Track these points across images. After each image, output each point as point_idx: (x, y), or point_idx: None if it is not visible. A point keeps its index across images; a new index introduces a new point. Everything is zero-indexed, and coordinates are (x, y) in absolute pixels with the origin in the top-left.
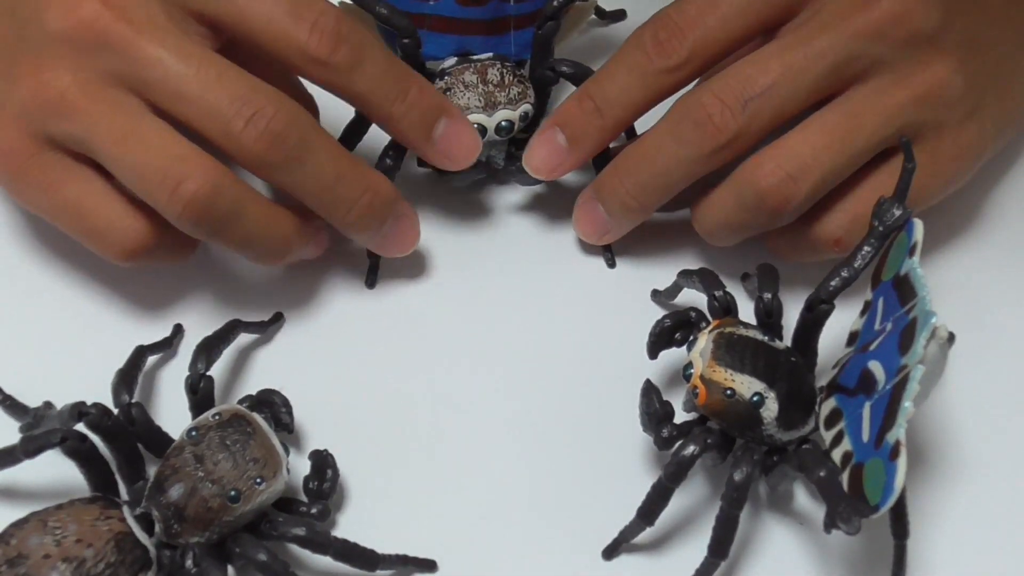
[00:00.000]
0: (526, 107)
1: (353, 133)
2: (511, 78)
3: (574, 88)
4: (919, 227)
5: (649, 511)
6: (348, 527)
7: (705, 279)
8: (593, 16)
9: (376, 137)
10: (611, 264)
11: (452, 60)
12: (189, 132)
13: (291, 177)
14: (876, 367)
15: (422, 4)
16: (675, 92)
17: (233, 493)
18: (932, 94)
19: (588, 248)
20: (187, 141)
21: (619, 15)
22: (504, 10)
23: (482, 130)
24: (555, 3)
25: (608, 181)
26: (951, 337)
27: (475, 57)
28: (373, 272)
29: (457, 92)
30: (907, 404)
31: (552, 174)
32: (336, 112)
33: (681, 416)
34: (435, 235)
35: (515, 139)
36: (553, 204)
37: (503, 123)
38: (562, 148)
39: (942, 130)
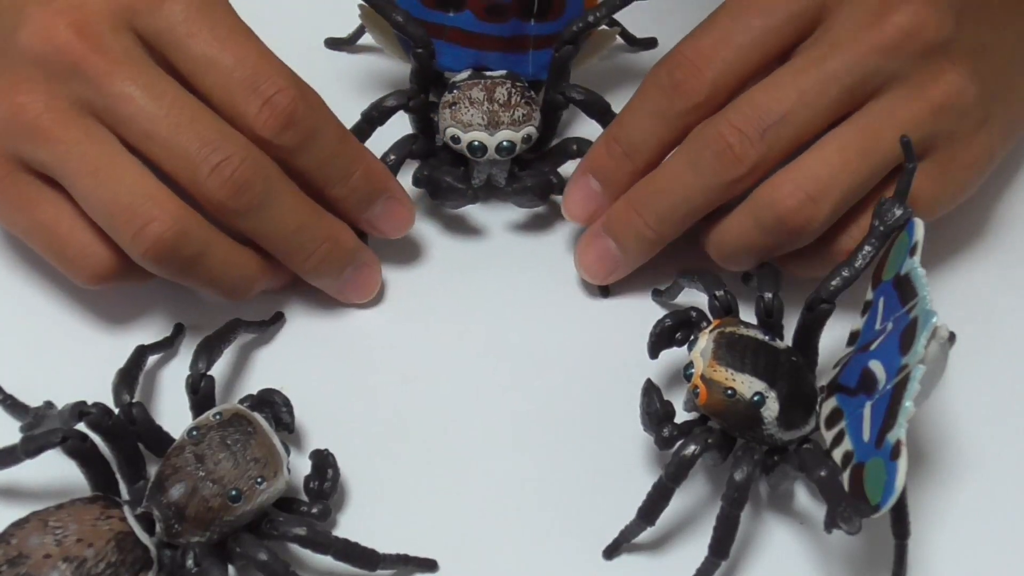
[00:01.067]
0: (529, 129)
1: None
2: (518, 99)
3: (583, 115)
4: (920, 227)
5: (650, 511)
6: (348, 527)
7: (706, 279)
8: (621, 41)
9: (382, 139)
10: (604, 296)
11: (467, 73)
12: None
13: (252, 224)
14: (877, 367)
15: (441, 15)
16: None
17: (234, 492)
18: (948, 103)
19: None
20: (156, 180)
21: (650, 43)
22: (524, 29)
23: (483, 148)
24: (574, 28)
25: (622, 215)
26: (952, 337)
27: (488, 73)
28: None
29: (462, 107)
30: (908, 404)
31: (591, 219)
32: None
33: (682, 416)
34: (436, 235)
35: (518, 159)
36: (552, 206)
37: (504, 143)
38: (597, 193)
39: (954, 139)
